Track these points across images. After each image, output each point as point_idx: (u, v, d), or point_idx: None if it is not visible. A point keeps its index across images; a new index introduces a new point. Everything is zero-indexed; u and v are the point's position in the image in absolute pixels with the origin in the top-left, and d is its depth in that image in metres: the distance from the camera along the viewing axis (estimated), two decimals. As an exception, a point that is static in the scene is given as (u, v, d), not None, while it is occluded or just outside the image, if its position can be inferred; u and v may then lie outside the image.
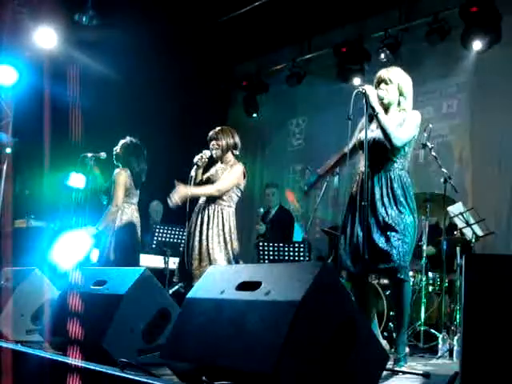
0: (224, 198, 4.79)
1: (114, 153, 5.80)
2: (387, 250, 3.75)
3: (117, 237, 5.53)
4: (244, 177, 4.89)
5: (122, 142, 5.83)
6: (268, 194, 7.68)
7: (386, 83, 3.96)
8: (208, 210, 4.75)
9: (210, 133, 4.98)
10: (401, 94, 3.99)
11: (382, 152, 3.91)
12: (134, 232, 5.63)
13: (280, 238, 6.94)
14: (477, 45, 7.26)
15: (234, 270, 2.87)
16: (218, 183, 4.77)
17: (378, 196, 3.86)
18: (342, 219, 4.11)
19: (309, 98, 9.34)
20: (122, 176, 5.66)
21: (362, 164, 3.95)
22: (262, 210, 7.45)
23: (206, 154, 4.90)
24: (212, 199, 4.78)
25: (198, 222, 4.74)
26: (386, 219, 3.80)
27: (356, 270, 3.82)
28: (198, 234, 4.70)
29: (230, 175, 4.81)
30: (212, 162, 5.02)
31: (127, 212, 5.62)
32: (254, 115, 9.93)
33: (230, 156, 4.95)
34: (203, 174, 4.95)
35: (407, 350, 4.03)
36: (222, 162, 4.96)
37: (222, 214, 4.75)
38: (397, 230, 3.78)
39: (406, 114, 3.95)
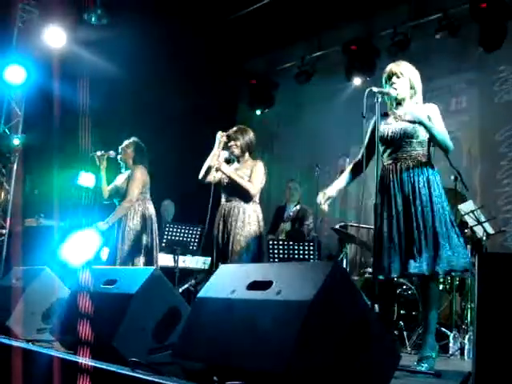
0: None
1: (122, 152, 5.80)
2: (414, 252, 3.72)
3: (134, 236, 5.55)
4: (264, 173, 4.93)
5: (129, 141, 5.84)
6: (290, 188, 7.59)
7: (398, 77, 3.95)
8: (243, 208, 4.75)
9: (228, 132, 4.97)
10: (411, 88, 3.99)
11: (405, 143, 3.90)
12: (150, 229, 5.64)
13: (301, 235, 6.93)
14: (486, 41, 7.24)
15: (245, 269, 2.86)
16: (255, 184, 4.78)
17: (404, 191, 3.85)
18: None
19: (318, 96, 9.32)
20: (140, 172, 5.68)
21: (384, 161, 3.96)
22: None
23: (221, 162, 4.85)
24: (244, 198, 4.78)
25: (230, 221, 4.73)
26: (416, 215, 3.78)
27: (391, 274, 3.80)
28: (234, 233, 4.69)
29: (258, 175, 4.82)
30: (227, 161, 5.00)
31: (142, 209, 5.62)
32: (263, 112, 9.93)
33: (246, 156, 4.97)
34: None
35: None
36: (238, 162, 4.97)
37: (257, 212, 4.82)
38: (427, 226, 3.76)
39: (427, 108, 3.94)
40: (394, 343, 2.97)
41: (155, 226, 5.75)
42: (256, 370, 2.24)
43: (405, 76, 3.96)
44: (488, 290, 2.02)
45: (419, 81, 4.02)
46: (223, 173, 4.79)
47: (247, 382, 2.24)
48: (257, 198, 4.86)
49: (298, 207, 7.34)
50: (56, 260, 5.86)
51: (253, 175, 4.79)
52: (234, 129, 5.02)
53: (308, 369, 2.17)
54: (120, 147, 5.83)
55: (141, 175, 5.68)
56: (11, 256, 7.28)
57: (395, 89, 3.93)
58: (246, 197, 4.77)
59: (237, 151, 4.94)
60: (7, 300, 4.12)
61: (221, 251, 4.76)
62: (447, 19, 7.48)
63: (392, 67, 4.00)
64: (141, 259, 5.55)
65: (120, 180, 5.83)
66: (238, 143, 4.92)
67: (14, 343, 3.52)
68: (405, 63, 4.05)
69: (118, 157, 5.83)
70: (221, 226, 4.79)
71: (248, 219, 4.74)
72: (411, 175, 3.86)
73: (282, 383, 2.15)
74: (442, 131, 3.85)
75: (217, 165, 4.78)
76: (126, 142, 5.84)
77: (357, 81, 8.45)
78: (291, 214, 7.37)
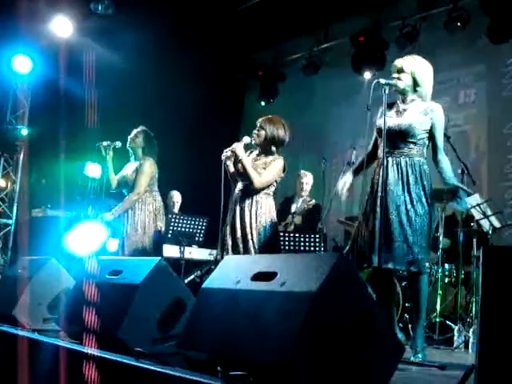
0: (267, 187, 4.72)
1: (132, 142, 5.79)
2: (403, 243, 3.75)
3: (141, 228, 5.56)
4: (284, 170, 4.75)
5: (138, 131, 5.82)
6: (302, 183, 7.43)
7: (399, 72, 3.99)
8: (255, 199, 4.66)
9: (259, 119, 4.84)
10: (415, 81, 3.99)
11: (399, 139, 3.93)
12: (157, 221, 5.65)
13: (309, 228, 6.88)
14: (495, 33, 7.20)
15: (250, 260, 2.86)
16: (262, 177, 4.65)
17: (393, 185, 3.87)
18: (362, 209, 4.09)
19: (325, 88, 9.29)
20: (148, 164, 5.68)
21: (380, 154, 3.98)
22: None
23: (239, 144, 4.69)
24: (256, 190, 4.68)
25: (241, 212, 4.64)
26: (402, 210, 3.80)
27: (375, 263, 3.81)
28: (244, 224, 4.62)
29: (271, 169, 4.67)
30: (251, 147, 4.88)
31: (149, 201, 5.63)
32: (267, 104, 9.91)
33: (270, 148, 4.79)
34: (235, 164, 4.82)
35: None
36: (261, 152, 4.83)
37: (269, 204, 4.70)
38: (412, 222, 3.78)
39: (432, 111, 3.95)
40: (397, 336, 2.97)
41: (163, 217, 5.77)
42: (259, 361, 2.24)
43: (406, 71, 3.98)
44: (492, 283, 2.01)
45: (425, 74, 4.01)
46: (237, 154, 4.69)
47: (251, 372, 2.24)
48: (269, 191, 4.76)
49: (313, 201, 7.25)
50: (62, 250, 5.87)
51: (267, 168, 4.68)
52: (266, 117, 4.84)
53: (311, 360, 2.18)
54: (129, 137, 5.82)
55: (149, 167, 5.67)
56: (18, 246, 7.31)
57: (401, 81, 3.95)
58: (251, 187, 4.71)
59: (257, 140, 4.77)
60: (13, 290, 4.14)
61: (233, 241, 4.70)
62: (456, 11, 7.44)
63: (396, 62, 4.05)
64: (148, 251, 5.56)
65: (129, 170, 5.81)
66: (262, 132, 4.75)
67: (20, 333, 3.54)
68: (410, 58, 4.06)
69: (128, 146, 5.81)
70: (230, 216, 4.74)
71: (259, 210, 4.66)
72: (403, 172, 3.89)
73: (285, 375, 2.15)
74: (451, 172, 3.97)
75: (233, 147, 4.69)
76: (134, 132, 5.83)
77: (364, 73, 8.41)
78: (305, 206, 7.28)
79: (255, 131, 4.80)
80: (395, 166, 3.91)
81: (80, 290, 3.50)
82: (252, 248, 4.56)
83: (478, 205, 5.59)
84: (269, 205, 4.71)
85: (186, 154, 8.92)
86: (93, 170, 7.44)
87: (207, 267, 6.97)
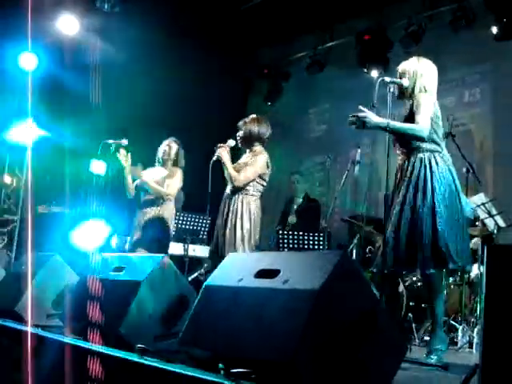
0: (248, 188, 4.73)
1: (165, 154, 5.80)
2: (411, 243, 3.74)
3: (153, 231, 5.56)
4: (268, 167, 4.79)
5: (171, 142, 5.85)
6: (293, 182, 7.57)
7: (401, 76, 4.02)
8: (235, 199, 4.71)
9: (239, 122, 4.94)
10: (415, 82, 3.98)
11: (399, 137, 3.94)
12: (168, 229, 5.69)
13: (309, 228, 6.87)
14: (501, 32, 7.17)
15: (253, 258, 2.86)
16: (240, 174, 4.70)
17: (400, 183, 3.87)
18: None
19: (330, 87, 9.27)
20: (180, 173, 5.79)
21: (397, 151, 3.98)
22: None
23: (224, 148, 4.77)
24: (238, 189, 4.72)
25: (226, 212, 4.71)
26: (408, 209, 3.79)
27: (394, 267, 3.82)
28: (228, 223, 4.66)
29: (251, 166, 4.73)
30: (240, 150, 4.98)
31: (168, 209, 5.66)
32: (274, 103, 9.88)
33: (256, 145, 4.87)
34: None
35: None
36: (249, 151, 4.90)
37: (249, 204, 4.70)
38: (418, 220, 3.77)
39: (414, 98, 3.95)
40: (401, 335, 2.96)
41: (172, 222, 5.84)
42: (262, 358, 2.24)
43: (403, 72, 4.01)
44: (496, 282, 2.00)
45: (424, 74, 4.00)
46: (220, 158, 4.74)
47: (253, 370, 2.24)
48: (253, 192, 4.75)
49: (300, 199, 7.31)
50: (67, 247, 5.88)
51: (248, 166, 4.75)
52: (245, 118, 4.93)
53: (313, 358, 2.17)
54: (163, 148, 5.86)
55: (180, 177, 5.79)
56: (23, 242, 7.32)
57: (406, 79, 3.97)
58: (233, 186, 4.74)
59: (240, 142, 4.90)
60: (17, 286, 4.15)
61: (218, 241, 4.73)
62: (462, 10, 7.41)
63: (398, 67, 4.09)
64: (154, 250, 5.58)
65: (151, 175, 5.80)
66: (241, 133, 4.87)
67: (24, 328, 3.55)
68: (407, 61, 4.08)
69: (160, 154, 5.83)
70: (220, 216, 4.78)
71: (241, 211, 4.66)
72: (413, 168, 3.87)
73: (287, 373, 2.15)
74: (409, 126, 3.84)
75: (219, 151, 4.73)
76: (167, 142, 5.89)
77: (369, 71, 8.39)
78: (301, 205, 7.31)
79: (237, 134, 4.90)
80: (406, 164, 3.90)
81: (83, 286, 3.51)
82: (240, 248, 4.57)
83: (483, 204, 5.57)
84: (252, 205, 4.72)
85: (190, 152, 8.91)
86: (98, 166, 7.44)
87: (211, 265, 6.99)
